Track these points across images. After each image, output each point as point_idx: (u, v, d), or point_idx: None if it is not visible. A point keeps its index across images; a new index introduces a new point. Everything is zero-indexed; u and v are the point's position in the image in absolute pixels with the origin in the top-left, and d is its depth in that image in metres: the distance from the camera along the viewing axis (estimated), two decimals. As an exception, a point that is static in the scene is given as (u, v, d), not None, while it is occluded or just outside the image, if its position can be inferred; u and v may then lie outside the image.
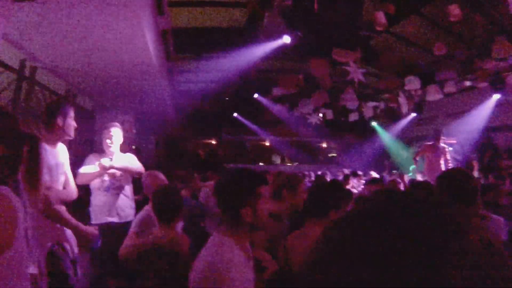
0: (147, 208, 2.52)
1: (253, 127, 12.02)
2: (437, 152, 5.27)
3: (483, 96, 6.86)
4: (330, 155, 14.04)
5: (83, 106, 6.14)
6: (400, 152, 10.85)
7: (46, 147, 2.18)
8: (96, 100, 6.21)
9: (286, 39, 6.40)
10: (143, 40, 3.51)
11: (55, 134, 2.28)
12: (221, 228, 1.34)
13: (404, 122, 9.74)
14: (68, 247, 2.25)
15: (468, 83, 6.38)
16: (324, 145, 14.03)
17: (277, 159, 13.19)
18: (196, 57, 7.20)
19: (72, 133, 2.38)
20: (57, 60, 4.12)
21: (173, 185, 2.69)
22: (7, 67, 3.97)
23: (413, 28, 5.61)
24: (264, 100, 10.49)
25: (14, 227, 1.04)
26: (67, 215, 2.20)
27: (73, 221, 2.20)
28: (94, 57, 4.03)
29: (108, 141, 3.08)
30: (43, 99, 4.81)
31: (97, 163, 2.97)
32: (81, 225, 2.24)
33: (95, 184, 3.02)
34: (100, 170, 2.93)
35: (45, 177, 2.09)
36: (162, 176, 2.86)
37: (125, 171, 3.05)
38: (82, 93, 5.70)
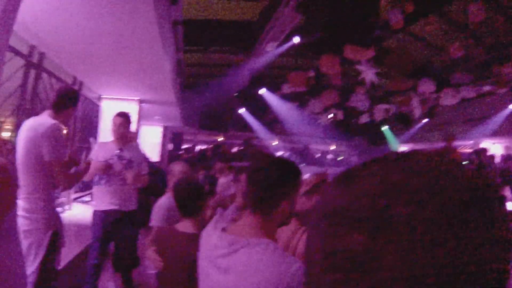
0: (165, 200, 2.53)
1: (259, 126, 11.89)
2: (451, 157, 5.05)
3: (502, 102, 6.60)
4: (338, 158, 13.85)
5: (89, 94, 6.13)
6: None
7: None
8: (102, 88, 6.19)
9: (296, 39, 6.29)
10: (153, 29, 3.44)
11: (58, 119, 2.25)
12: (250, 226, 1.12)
13: (416, 127, 9.49)
14: (62, 234, 2.23)
15: (486, 88, 6.12)
16: (333, 147, 13.85)
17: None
18: (205, 50, 7.11)
19: (69, 123, 2.45)
20: (66, 46, 4.08)
21: (195, 177, 2.66)
22: (16, 52, 3.95)
23: (430, 28, 5.41)
24: (272, 97, 10.36)
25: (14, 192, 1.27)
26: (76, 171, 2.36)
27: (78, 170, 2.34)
28: (103, 44, 3.97)
29: (115, 130, 3.01)
30: (50, 86, 4.80)
31: (101, 161, 2.91)
32: (82, 168, 2.42)
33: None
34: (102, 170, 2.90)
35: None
36: (187, 166, 2.82)
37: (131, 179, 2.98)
38: (89, 81, 5.67)
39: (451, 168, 0.33)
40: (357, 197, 0.32)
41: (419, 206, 0.30)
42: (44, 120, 2.17)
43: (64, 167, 2.12)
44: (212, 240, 1.16)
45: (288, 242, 1.94)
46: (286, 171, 1.17)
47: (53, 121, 2.14)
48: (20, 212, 2.12)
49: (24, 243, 2.08)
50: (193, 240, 1.64)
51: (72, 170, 2.35)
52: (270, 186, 1.12)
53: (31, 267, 2.05)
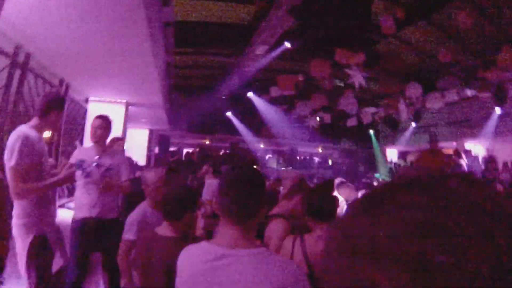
0: (138, 211, 2.42)
1: (246, 130, 11.86)
2: (435, 157, 5.24)
3: (486, 106, 6.88)
4: (327, 160, 13.98)
5: (75, 96, 5.92)
6: (383, 166, 11.02)
7: (34, 133, 2.17)
8: (89, 90, 6.00)
9: (287, 44, 6.33)
10: (143, 30, 3.36)
11: (44, 124, 2.28)
12: (244, 238, 1.10)
13: (402, 130, 9.75)
14: (51, 237, 2.18)
15: (470, 93, 6.38)
16: (320, 150, 13.99)
17: (273, 163, 12.89)
18: (196, 52, 7.02)
19: (58, 127, 2.47)
20: (53, 45, 3.92)
21: (183, 184, 2.61)
22: (1, 52, 3.76)
23: (419, 34, 5.59)
24: (259, 100, 10.37)
25: None
26: (40, 183, 2.15)
27: (49, 181, 2.20)
28: (91, 43, 3.84)
29: (92, 133, 2.84)
30: (35, 87, 4.59)
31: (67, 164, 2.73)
32: (57, 178, 2.29)
33: (78, 177, 2.80)
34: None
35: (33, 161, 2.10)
36: (160, 173, 2.68)
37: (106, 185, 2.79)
38: (76, 83, 5.48)
39: (492, 203, 0.29)
40: (382, 235, 0.29)
41: (461, 255, 0.26)
42: (17, 129, 2.18)
43: (18, 176, 2.03)
44: (195, 253, 1.13)
45: (280, 242, 1.98)
46: (262, 180, 1.22)
47: (20, 130, 2.13)
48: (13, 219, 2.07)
49: (17, 251, 2.04)
50: (172, 243, 1.70)
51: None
52: (254, 196, 1.14)
53: (24, 274, 2.03)
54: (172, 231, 1.82)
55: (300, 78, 7.68)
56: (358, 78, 6.50)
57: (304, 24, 5.40)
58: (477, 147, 8.30)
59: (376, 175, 10.57)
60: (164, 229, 1.85)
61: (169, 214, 1.86)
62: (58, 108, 2.32)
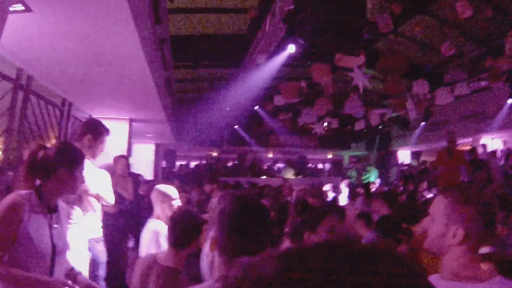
0: (153, 227, 2.38)
1: (253, 141, 11.79)
2: (454, 158, 4.98)
3: (500, 95, 6.56)
4: (337, 166, 13.69)
5: (78, 115, 6.00)
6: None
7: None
8: (91, 109, 6.08)
9: (291, 48, 6.23)
10: (138, 50, 3.38)
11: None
12: None
13: (413, 129, 9.44)
14: None
15: (480, 84, 6.09)
16: (330, 156, 13.76)
17: (288, 173, 12.54)
18: (194, 65, 7.06)
19: (95, 155, 2.58)
20: (53, 69, 4.01)
21: (190, 208, 2.57)
22: (3, 76, 3.86)
23: (420, 27, 5.44)
24: (265, 113, 10.33)
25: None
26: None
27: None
28: (90, 67, 3.90)
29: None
30: (39, 108, 4.68)
31: None
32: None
33: None
34: None
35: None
36: (170, 191, 2.53)
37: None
38: (78, 102, 5.56)
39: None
40: None
41: None
42: None
43: None
44: None
45: None
46: None
47: None
48: None
49: None
50: (171, 274, 1.66)
51: None
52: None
53: None
54: (173, 261, 1.74)
55: (303, 84, 7.58)
56: (361, 80, 6.35)
57: (298, 31, 5.34)
58: (494, 141, 7.92)
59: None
60: (166, 257, 1.77)
61: (174, 242, 1.79)
62: (90, 133, 2.48)
